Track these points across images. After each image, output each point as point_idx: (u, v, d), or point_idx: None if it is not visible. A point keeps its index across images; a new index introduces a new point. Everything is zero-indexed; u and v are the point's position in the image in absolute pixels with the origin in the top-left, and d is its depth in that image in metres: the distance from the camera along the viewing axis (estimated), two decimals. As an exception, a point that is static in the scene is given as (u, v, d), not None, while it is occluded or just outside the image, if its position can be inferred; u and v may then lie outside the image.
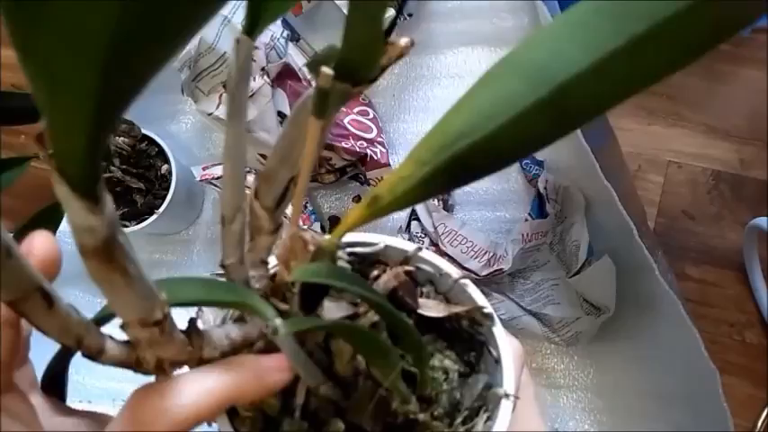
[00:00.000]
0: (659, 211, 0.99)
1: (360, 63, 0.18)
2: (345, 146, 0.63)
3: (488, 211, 0.68)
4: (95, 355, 0.20)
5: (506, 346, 0.26)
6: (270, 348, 0.23)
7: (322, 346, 0.24)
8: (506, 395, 0.25)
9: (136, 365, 0.21)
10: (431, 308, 0.27)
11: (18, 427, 0.23)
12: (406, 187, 0.18)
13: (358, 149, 0.63)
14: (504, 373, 0.25)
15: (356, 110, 0.67)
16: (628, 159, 0.78)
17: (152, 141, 0.69)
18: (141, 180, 0.68)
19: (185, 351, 0.21)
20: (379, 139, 0.66)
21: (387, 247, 0.28)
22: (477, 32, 0.68)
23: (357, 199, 0.71)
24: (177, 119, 0.76)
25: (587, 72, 0.14)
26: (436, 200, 0.65)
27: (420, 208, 0.64)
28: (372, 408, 0.24)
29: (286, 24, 0.66)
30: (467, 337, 0.27)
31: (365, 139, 0.65)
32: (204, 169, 0.67)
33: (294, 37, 0.66)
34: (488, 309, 0.26)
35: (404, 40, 0.19)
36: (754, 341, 0.89)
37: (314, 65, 0.18)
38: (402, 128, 0.70)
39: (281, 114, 0.64)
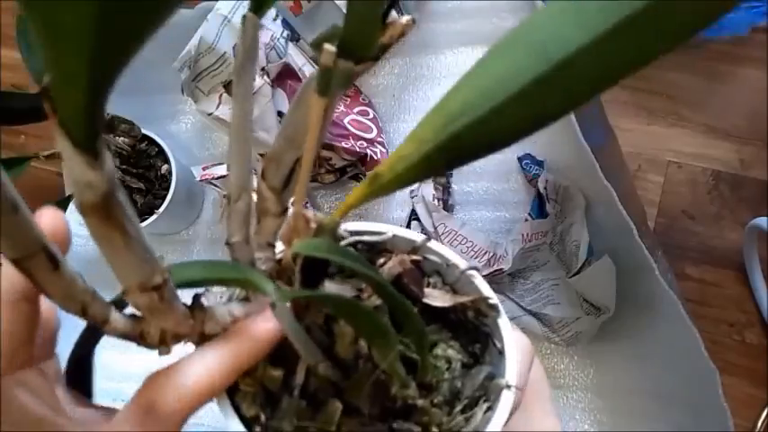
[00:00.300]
0: (659, 211, 0.99)
1: (361, 41, 0.19)
2: (345, 146, 0.63)
3: (488, 211, 0.68)
4: (100, 324, 0.21)
5: (511, 337, 0.26)
6: None
7: (324, 329, 0.24)
8: (508, 386, 0.25)
9: (140, 338, 0.22)
10: (436, 297, 0.27)
11: (37, 403, 0.24)
12: (406, 165, 0.18)
13: (358, 149, 0.63)
14: (507, 365, 0.25)
15: (356, 110, 0.67)
16: (628, 159, 0.78)
17: (152, 141, 0.69)
18: (141, 180, 0.68)
19: (187, 324, 0.22)
20: (379, 139, 0.66)
21: (395, 236, 0.28)
22: (477, 32, 0.68)
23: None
24: (177, 119, 0.76)
25: (585, 50, 0.14)
26: (436, 200, 0.65)
27: (420, 208, 0.64)
28: (370, 390, 0.24)
29: (286, 24, 0.66)
30: (472, 329, 0.27)
31: (365, 139, 0.65)
32: (204, 169, 0.67)
33: (294, 37, 0.66)
34: (494, 300, 0.26)
35: (405, 18, 0.19)
36: (754, 341, 0.89)
37: (318, 43, 0.19)
38: (402, 128, 0.70)
39: (281, 114, 0.64)
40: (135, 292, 0.20)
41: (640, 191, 0.86)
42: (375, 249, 0.28)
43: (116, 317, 0.21)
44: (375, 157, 0.64)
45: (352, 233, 0.27)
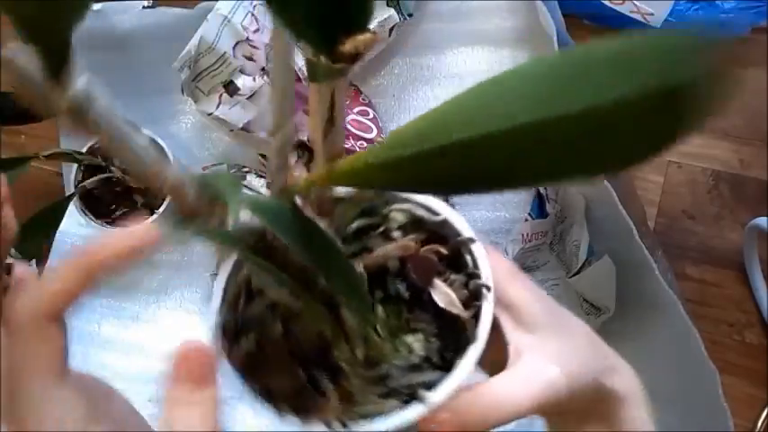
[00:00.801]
0: (659, 211, 0.99)
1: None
2: (345, 146, 0.63)
3: (488, 211, 0.68)
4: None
5: (467, 367, 0.25)
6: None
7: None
8: (424, 401, 0.25)
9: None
10: (440, 294, 0.27)
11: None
12: (365, 165, 0.19)
13: (358, 149, 0.63)
14: (442, 386, 0.25)
15: (356, 110, 0.67)
16: (628, 159, 0.78)
17: (152, 141, 0.69)
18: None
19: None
20: (379, 139, 0.66)
21: (446, 221, 0.28)
22: (477, 32, 0.68)
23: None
24: (177, 119, 0.76)
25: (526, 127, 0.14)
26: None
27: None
28: (313, 336, 0.25)
29: (286, 24, 0.66)
30: (457, 336, 0.27)
31: (365, 139, 0.65)
32: (204, 169, 0.67)
33: (294, 37, 0.66)
34: (480, 329, 0.26)
35: (362, 36, 0.19)
36: (754, 341, 0.89)
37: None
38: (403, 125, 0.70)
39: (281, 114, 0.64)
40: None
41: (640, 191, 0.86)
42: (423, 229, 0.28)
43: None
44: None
45: (411, 202, 0.28)
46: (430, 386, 0.25)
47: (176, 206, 0.23)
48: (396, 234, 0.28)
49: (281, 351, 0.25)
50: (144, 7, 0.70)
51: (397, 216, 0.29)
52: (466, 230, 0.28)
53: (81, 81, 0.18)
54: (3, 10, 0.15)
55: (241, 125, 0.62)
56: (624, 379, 0.31)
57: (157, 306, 0.71)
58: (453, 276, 0.28)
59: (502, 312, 0.28)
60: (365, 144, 0.64)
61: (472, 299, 0.27)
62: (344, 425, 0.24)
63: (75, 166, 0.66)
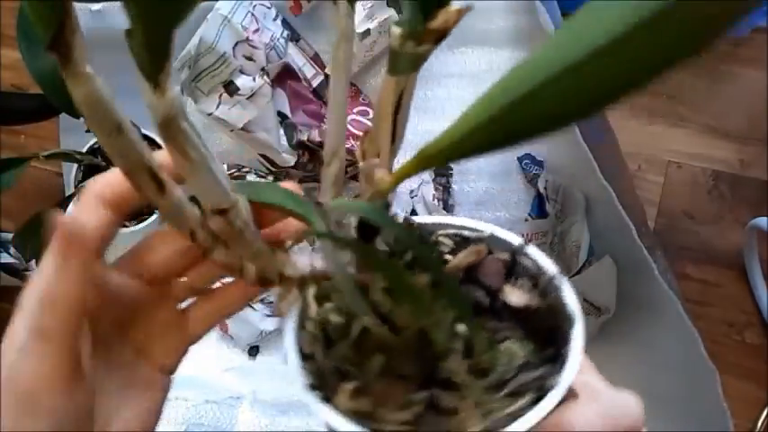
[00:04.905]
0: (659, 211, 0.99)
1: (415, 26, 0.21)
2: (346, 146, 0.63)
3: (488, 211, 0.68)
4: (205, 252, 0.24)
5: (578, 347, 0.26)
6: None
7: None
8: (558, 385, 0.25)
9: (238, 273, 0.25)
10: (514, 295, 0.27)
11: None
12: (450, 141, 0.20)
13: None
14: (566, 369, 0.25)
15: (356, 110, 0.67)
16: (628, 159, 0.78)
17: (152, 141, 0.69)
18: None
19: (267, 258, 0.24)
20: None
21: (492, 235, 0.29)
22: (477, 32, 0.68)
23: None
24: (177, 119, 0.76)
25: (602, 51, 0.15)
26: (436, 200, 0.65)
27: (420, 208, 0.64)
28: (415, 354, 0.25)
29: (286, 24, 0.66)
30: (548, 334, 0.27)
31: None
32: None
33: (294, 37, 0.66)
34: (572, 309, 0.26)
35: (458, 5, 0.21)
36: (755, 341, 0.89)
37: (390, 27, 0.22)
38: (402, 128, 0.70)
39: (280, 114, 0.64)
40: (209, 215, 0.23)
41: (640, 191, 0.86)
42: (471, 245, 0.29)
43: (219, 248, 0.24)
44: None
45: (453, 227, 0.29)
46: (551, 377, 0.26)
47: (235, 252, 0.24)
48: (449, 257, 0.28)
49: (389, 384, 0.25)
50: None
51: (445, 241, 0.29)
52: (514, 239, 0.29)
53: (176, 89, 0.19)
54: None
55: (241, 125, 0.62)
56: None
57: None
58: (520, 281, 0.28)
59: None
60: (365, 144, 0.64)
61: (544, 297, 0.28)
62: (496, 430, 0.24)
63: (75, 166, 0.66)
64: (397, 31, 0.21)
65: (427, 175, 0.67)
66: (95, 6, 0.67)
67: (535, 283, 0.28)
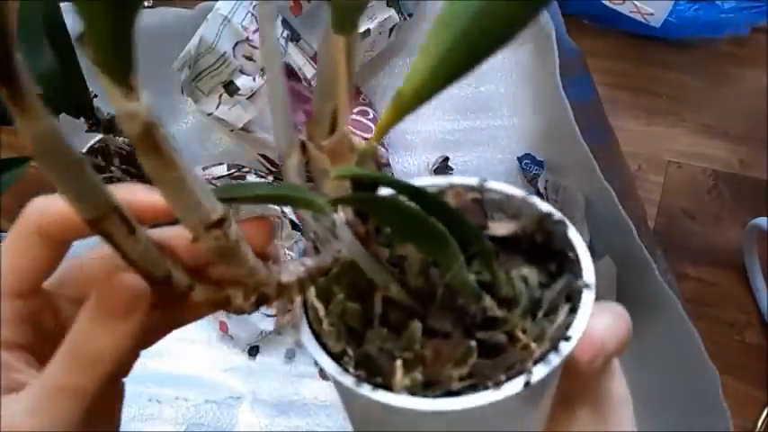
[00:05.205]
0: (659, 211, 0.99)
1: None
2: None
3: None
4: (185, 291, 0.22)
5: (583, 245, 0.26)
6: (342, 273, 0.25)
7: (394, 263, 0.25)
8: (586, 285, 0.25)
9: (226, 304, 0.23)
10: (501, 227, 0.27)
11: None
12: (421, 77, 0.21)
13: (358, 149, 0.63)
14: (584, 268, 0.26)
15: (356, 110, 0.68)
16: (628, 159, 0.78)
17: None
18: (141, 180, 0.68)
19: (262, 274, 0.22)
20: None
21: (452, 185, 0.29)
22: (477, 32, 0.68)
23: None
24: (177, 119, 0.76)
25: None
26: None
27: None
28: (448, 309, 0.24)
29: (286, 24, 0.66)
30: (544, 251, 0.27)
31: (365, 139, 0.65)
32: (204, 169, 0.67)
33: (294, 37, 0.66)
34: (558, 215, 0.27)
35: None
36: (754, 341, 0.89)
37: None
38: (402, 128, 0.70)
39: (281, 114, 0.64)
40: (201, 234, 0.20)
41: (640, 191, 0.86)
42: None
43: (200, 286, 0.22)
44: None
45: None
46: (569, 284, 0.26)
47: (228, 269, 0.22)
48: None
49: (436, 345, 0.24)
50: (144, 7, 0.70)
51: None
52: (473, 180, 0.29)
53: (146, 97, 0.17)
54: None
55: (241, 125, 0.62)
56: (623, 384, 0.33)
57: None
58: (496, 215, 0.29)
59: None
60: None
61: (522, 220, 0.28)
62: (557, 343, 0.24)
63: (75, 166, 0.66)
64: None
65: (427, 176, 0.67)
66: None
67: (510, 214, 0.28)
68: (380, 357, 0.24)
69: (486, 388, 0.23)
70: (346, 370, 0.24)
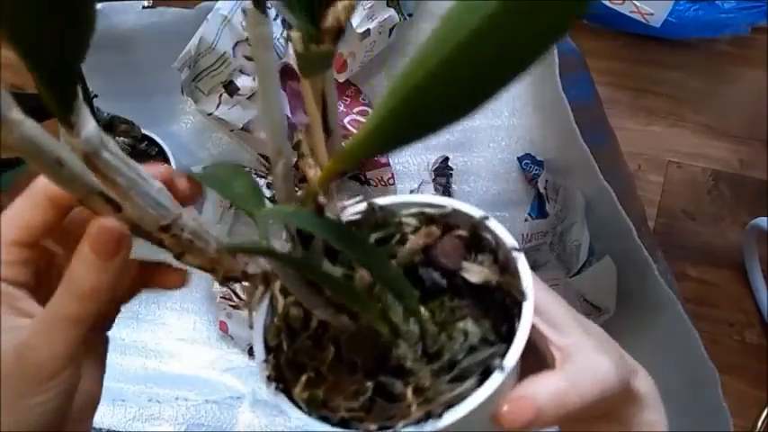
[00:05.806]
0: (659, 211, 0.99)
1: (309, 28, 0.22)
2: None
3: (488, 212, 0.68)
4: (178, 256, 0.24)
5: (527, 325, 0.26)
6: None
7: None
8: (500, 368, 0.25)
9: (211, 271, 0.25)
10: (473, 272, 0.27)
11: None
12: (365, 132, 0.20)
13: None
14: (511, 349, 0.25)
15: (356, 110, 0.67)
16: (628, 159, 0.78)
17: (152, 141, 0.69)
18: (141, 180, 0.68)
19: (228, 263, 0.25)
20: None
21: (455, 210, 0.29)
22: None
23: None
24: (177, 119, 0.76)
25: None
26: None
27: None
28: (366, 344, 0.25)
29: (286, 24, 0.66)
30: (504, 310, 0.27)
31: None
32: (204, 169, 0.67)
33: (294, 37, 0.66)
34: (525, 285, 0.27)
35: (341, 4, 0.22)
36: (754, 341, 0.89)
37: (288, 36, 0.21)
38: (402, 128, 0.70)
39: (281, 114, 0.64)
40: (158, 233, 0.23)
41: (640, 191, 0.86)
42: (438, 223, 0.29)
43: (190, 255, 0.24)
44: (375, 157, 0.64)
45: (416, 205, 0.29)
46: (498, 357, 0.26)
47: (195, 258, 0.24)
48: (412, 238, 0.28)
49: (340, 373, 0.26)
50: (144, 7, 0.70)
51: (410, 221, 0.29)
52: (476, 212, 0.29)
53: (90, 126, 0.19)
54: (3, 36, 0.16)
55: (241, 125, 0.62)
56: (642, 381, 0.32)
57: (158, 305, 0.71)
58: (480, 257, 0.28)
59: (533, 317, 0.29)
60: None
61: (504, 271, 0.28)
62: (436, 415, 0.24)
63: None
64: (296, 35, 0.22)
65: (427, 176, 0.67)
66: (96, 6, 0.67)
67: (495, 259, 0.28)
68: (292, 367, 0.26)
69: (357, 429, 0.24)
70: (270, 365, 0.26)
